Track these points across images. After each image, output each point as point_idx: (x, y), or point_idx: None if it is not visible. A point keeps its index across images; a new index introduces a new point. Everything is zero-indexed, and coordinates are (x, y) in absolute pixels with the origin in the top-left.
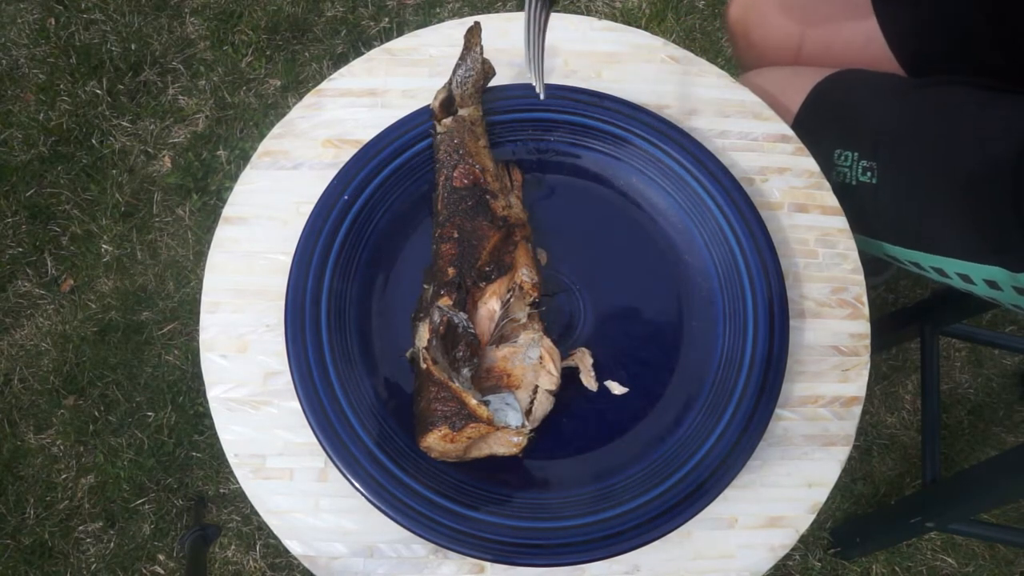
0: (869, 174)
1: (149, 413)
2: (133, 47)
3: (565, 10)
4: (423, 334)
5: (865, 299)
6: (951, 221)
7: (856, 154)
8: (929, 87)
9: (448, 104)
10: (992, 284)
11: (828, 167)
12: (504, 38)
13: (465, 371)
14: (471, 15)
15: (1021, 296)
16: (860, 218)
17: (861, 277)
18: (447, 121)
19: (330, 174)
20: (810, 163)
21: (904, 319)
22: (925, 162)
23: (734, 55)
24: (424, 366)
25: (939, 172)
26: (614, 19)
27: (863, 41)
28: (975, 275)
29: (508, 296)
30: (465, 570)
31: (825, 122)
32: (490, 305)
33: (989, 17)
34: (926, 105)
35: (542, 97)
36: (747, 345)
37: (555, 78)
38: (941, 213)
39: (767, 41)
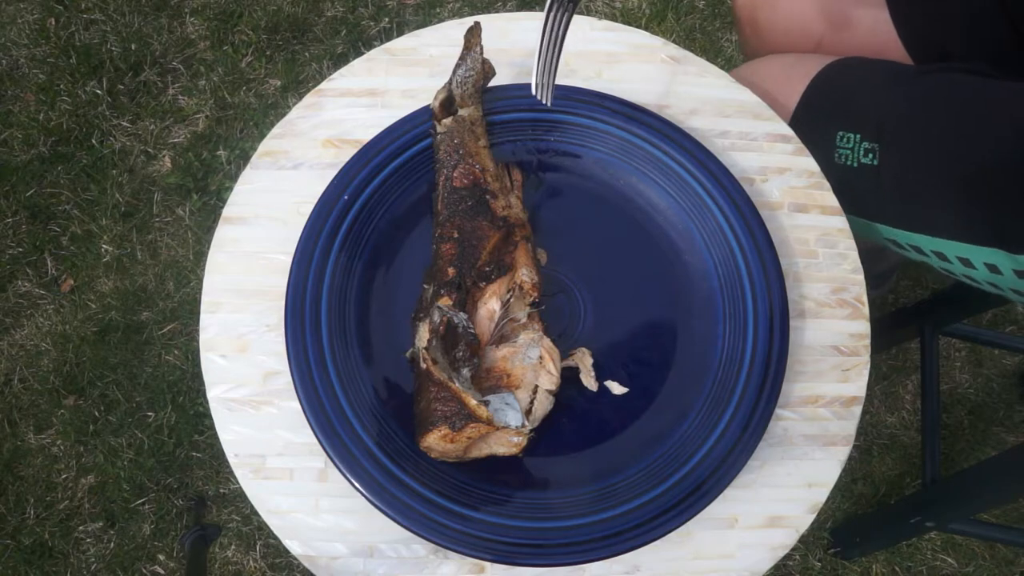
0: (871, 156)
1: (149, 413)
2: (133, 47)
3: None
4: (423, 334)
5: (865, 299)
6: (953, 204)
7: (858, 136)
8: (934, 73)
9: (448, 104)
10: (992, 268)
11: (830, 149)
12: (504, 38)
13: (465, 371)
14: (471, 15)
15: (1022, 280)
16: (861, 201)
17: (861, 277)
18: (447, 121)
19: (330, 174)
20: (810, 163)
21: (904, 319)
22: (928, 145)
23: (740, 41)
24: (424, 366)
25: (942, 155)
26: (614, 19)
27: (871, 28)
28: (975, 258)
29: (508, 296)
30: (465, 570)
31: (829, 104)
32: (490, 305)
33: (1012, 17)
34: (931, 90)
35: (548, 104)
36: (747, 345)
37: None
38: (943, 196)
39: (774, 26)
